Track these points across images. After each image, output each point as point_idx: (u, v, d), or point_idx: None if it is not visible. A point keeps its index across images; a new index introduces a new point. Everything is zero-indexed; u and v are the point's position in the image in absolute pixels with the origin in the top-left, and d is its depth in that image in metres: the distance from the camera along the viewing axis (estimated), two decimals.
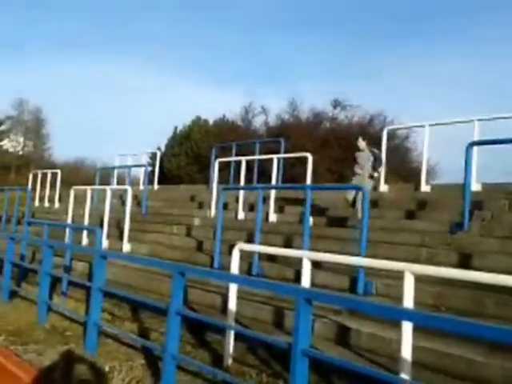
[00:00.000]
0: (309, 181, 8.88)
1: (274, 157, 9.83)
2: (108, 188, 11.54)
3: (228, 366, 4.65)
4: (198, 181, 19.32)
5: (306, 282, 4.35)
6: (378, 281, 5.94)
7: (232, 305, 4.71)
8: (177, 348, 4.21)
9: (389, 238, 7.27)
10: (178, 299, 4.21)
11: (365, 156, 8.80)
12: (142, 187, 13.80)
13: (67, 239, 9.65)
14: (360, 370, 3.53)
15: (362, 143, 8.94)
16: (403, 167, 20.58)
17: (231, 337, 4.70)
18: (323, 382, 4.26)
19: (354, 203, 8.38)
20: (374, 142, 9.80)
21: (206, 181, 14.26)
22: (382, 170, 9.25)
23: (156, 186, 15.51)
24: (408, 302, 3.59)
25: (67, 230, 10.04)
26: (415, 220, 7.83)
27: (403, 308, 3.50)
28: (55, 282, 7.37)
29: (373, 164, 8.71)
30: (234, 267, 4.82)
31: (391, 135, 10.89)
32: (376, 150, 8.98)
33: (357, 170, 8.83)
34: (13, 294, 7.54)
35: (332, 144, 18.67)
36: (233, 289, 4.72)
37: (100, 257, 5.20)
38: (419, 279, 3.68)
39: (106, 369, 4.60)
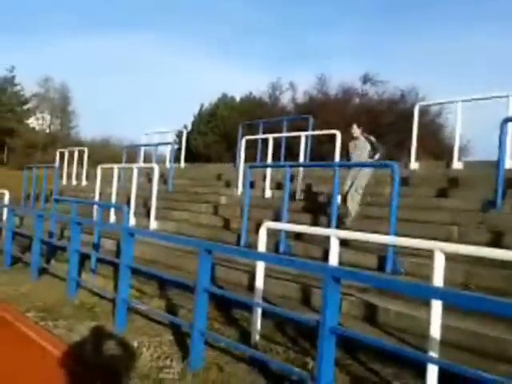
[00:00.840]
0: (337, 158, 8.73)
1: (302, 134, 9.70)
2: (135, 166, 11.60)
3: (255, 342, 4.65)
4: (225, 159, 19.28)
5: (333, 260, 4.28)
6: (407, 259, 5.84)
7: (259, 282, 4.68)
8: (205, 324, 4.21)
9: (419, 216, 7.13)
10: (205, 276, 4.20)
11: (360, 144, 8.02)
12: (168, 165, 13.86)
13: (95, 217, 9.77)
14: (388, 347, 3.50)
15: (356, 130, 8.06)
16: (435, 144, 20.12)
17: (258, 314, 4.69)
18: (350, 360, 4.23)
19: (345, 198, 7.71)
20: (373, 130, 9.25)
21: (234, 159, 14.21)
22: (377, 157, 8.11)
23: (183, 165, 15.52)
24: (438, 280, 3.51)
25: (95, 208, 10.16)
26: (446, 198, 7.66)
27: (433, 286, 3.42)
28: (84, 259, 7.48)
29: (370, 153, 7.94)
30: (262, 245, 4.77)
31: (423, 111, 10.56)
32: (372, 138, 8.15)
33: (353, 160, 8.04)
34: (42, 271, 7.66)
35: (362, 121, 18.31)
36: (260, 266, 4.69)
37: (128, 234, 5.22)
38: (449, 257, 3.58)
39: (135, 344, 4.64)
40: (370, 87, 21.02)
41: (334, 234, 4.30)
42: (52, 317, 5.50)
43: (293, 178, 10.48)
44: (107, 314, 5.65)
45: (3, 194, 11.39)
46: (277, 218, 8.49)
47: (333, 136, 9.29)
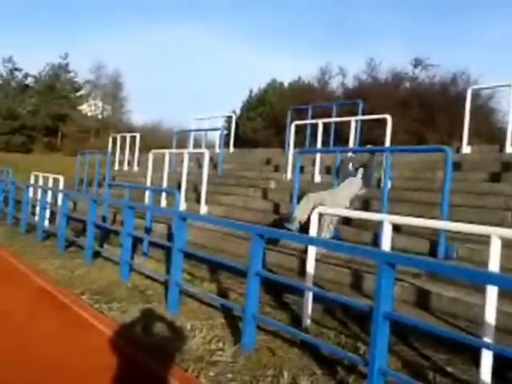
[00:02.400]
0: (388, 143, 8.56)
1: (352, 119, 9.56)
2: (185, 151, 11.76)
3: (306, 326, 4.67)
4: (273, 144, 19.24)
5: (386, 245, 4.22)
6: (460, 245, 5.70)
7: (310, 267, 4.68)
8: (257, 308, 4.26)
9: (471, 201, 6.93)
10: (257, 261, 4.23)
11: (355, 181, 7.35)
12: (217, 150, 13.97)
13: (147, 201, 9.99)
14: (442, 333, 3.45)
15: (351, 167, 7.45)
16: (487, 128, 19.38)
17: (309, 298, 4.69)
18: (402, 345, 4.19)
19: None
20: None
21: (283, 144, 14.17)
22: (362, 191, 7.41)
23: (232, 150, 15.60)
24: (494, 266, 3.43)
25: (147, 193, 10.38)
26: (499, 183, 7.41)
27: (490, 272, 3.34)
28: (136, 242, 7.70)
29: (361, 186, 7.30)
30: (313, 230, 4.76)
31: (475, 95, 10.17)
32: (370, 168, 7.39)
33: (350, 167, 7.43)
34: (95, 255, 7.90)
35: (412, 105, 17.82)
36: (311, 251, 4.68)
37: (180, 218, 5.31)
38: (503, 244, 3.50)
39: (188, 327, 4.74)
40: (421, 71, 20.45)
41: (387, 220, 4.23)
42: (106, 299, 5.66)
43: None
44: (160, 297, 5.79)
45: (58, 179, 11.79)
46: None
47: (382, 121, 9.10)
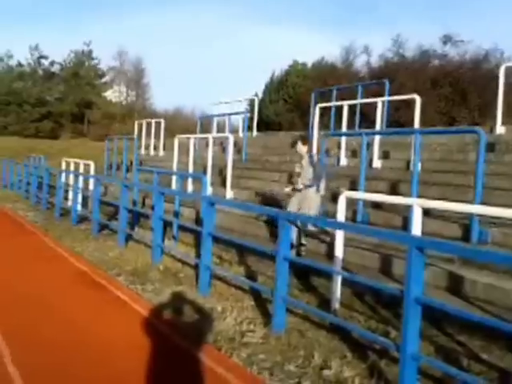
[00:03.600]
0: (417, 124, 8.43)
1: (379, 100, 9.43)
2: (210, 136, 11.81)
3: (335, 310, 4.68)
4: (297, 127, 19.09)
5: (417, 230, 4.19)
6: (494, 229, 5.61)
7: (339, 251, 4.68)
8: (286, 291, 4.29)
9: (506, 184, 6.78)
10: (285, 245, 4.25)
11: (306, 164, 6.73)
12: (241, 134, 13.96)
13: (174, 186, 10.09)
14: (476, 319, 3.42)
15: (302, 148, 6.71)
16: None
17: (338, 282, 4.70)
18: (435, 331, 4.18)
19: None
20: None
21: (306, 127, 14.07)
22: (322, 185, 6.68)
23: (255, 133, 15.57)
24: None
25: (173, 177, 10.48)
26: None
27: None
28: (165, 226, 7.81)
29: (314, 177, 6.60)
30: (341, 214, 4.75)
31: (509, 72, 9.85)
32: (315, 157, 6.82)
33: (299, 182, 6.69)
34: (127, 238, 8.05)
35: (442, 84, 17.36)
36: (339, 235, 4.68)
37: (208, 203, 5.36)
38: None
39: (219, 309, 4.81)
40: (451, 48, 19.87)
41: (418, 203, 4.19)
42: (140, 281, 5.81)
43: (369, 146, 10.32)
44: (191, 280, 5.88)
45: (89, 164, 11.98)
46: (353, 186, 8.40)
47: (410, 100, 8.95)
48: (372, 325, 4.38)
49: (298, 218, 4.93)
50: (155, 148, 16.94)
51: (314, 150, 6.51)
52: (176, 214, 8.06)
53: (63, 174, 11.80)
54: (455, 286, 4.78)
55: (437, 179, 7.61)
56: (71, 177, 11.90)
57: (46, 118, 41.57)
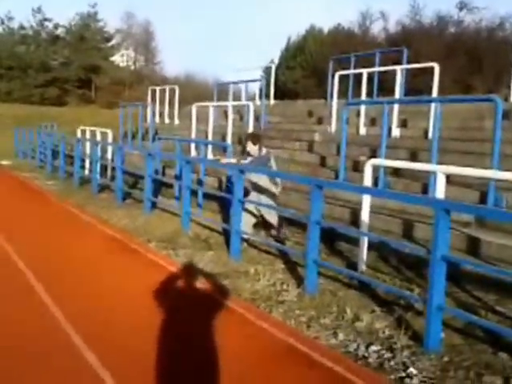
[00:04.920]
0: (435, 93, 8.56)
1: (398, 68, 9.51)
2: (229, 104, 11.96)
3: (362, 271, 4.99)
4: (314, 95, 19.10)
5: (440, 194, 4.43)
6: (509, 194, 5.85)
7: (365, 216, 4.94)
8: (317, 254, 4.58)
9: None
10: (316, 211, 4.52)
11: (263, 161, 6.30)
12: (258, 102, 14.06)
13: (192, 154, 10.32)
14: (494, 272, 3.70)
15: (252, 147, 6.29)
16: None
17: (365, 244, 4.98)
18: (455, 288, 4.47)
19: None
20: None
21: (324, 95, 14.12)
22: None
23: (272, 101, 15.63)
24: None
25: (192, 146, 10.70)
26: None
27: None
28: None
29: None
30: (367, 180, 4.99)
31: None
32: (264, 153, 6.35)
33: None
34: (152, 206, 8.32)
35: (458, 52, 17.30)
36: (366, 200, 4.93)
37: (239, 171, 5.64)
38: None
39: (252, 271, 5.13)
40: (467, 14, 19.67)
41: (440, 170, 4.42)
42: (172, 246, 6.13)
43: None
44: (220, 245, 6.20)
45: (106, 133, 12.14)
46: (373, 154, 8.60)
47: (427, 68, 9.03)
48: (397, 284, 4.69)
49: (328, 185, 5.12)
50: (169, 116, 16.98)
51: (264, 150, 6.30)
52: (200, 182, 8.34)
53: (81, 143, 11.97)
54: (472, 247, 5.09)
55: (455, 147, 7.78)
56: (87, 145, 12.06)
57: (52, 84, 40.73)
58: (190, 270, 5.17)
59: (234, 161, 6.70)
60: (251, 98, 16.04)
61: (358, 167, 8.45)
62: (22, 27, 43.66)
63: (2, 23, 43.32)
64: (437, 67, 8.56)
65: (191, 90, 36.90)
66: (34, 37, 43.54)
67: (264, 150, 6.34)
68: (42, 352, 3.25)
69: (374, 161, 5.20)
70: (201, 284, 4.80)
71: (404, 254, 5.10)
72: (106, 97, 41.48)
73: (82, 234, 6.95)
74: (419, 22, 20.03)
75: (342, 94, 12.95)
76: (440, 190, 4.47)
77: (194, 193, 8.18)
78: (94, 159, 10.79)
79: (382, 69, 11.01)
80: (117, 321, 3.83)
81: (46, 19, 44.00)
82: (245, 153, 6.50)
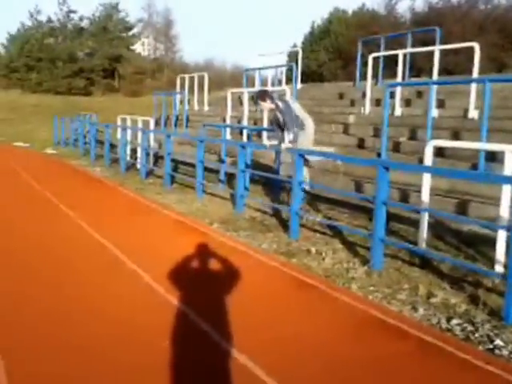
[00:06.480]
0: (475, 73, 8.62)
1: (436, 48, 9.55)
2: (267, 89, 12.07)
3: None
4: (340, 77, 19.14)
5: (509, 172, 4.50)
6: None
7: (425, 195, 5.09)
8: (383, 233, 4.78)
9: None
10: (383, 191, 4.71)
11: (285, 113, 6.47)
12: (284, 87, 14.15)
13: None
14: None
15: (265, 104, 6.51)
16: None
17: (425, 223, 5.14)
18: None
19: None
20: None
21: (350, 77, 14.19)
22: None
23: (299, 85, 15.72)
24: None
25: (228, 131, 10.88)
26: None
27: None
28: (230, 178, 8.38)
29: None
30: (428, 160, 5.12)
31: None
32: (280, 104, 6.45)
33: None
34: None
35: (489, 30, 17.15)
36: (426, 181, 5.08)
37: (299, 155, 5.83)
38: None
39: (313, 250, 5.35)
40: None
41: (509, 149, 4.50)
42: (233, 228, 6.36)
43: (421, 95, 10.51)
44: (276, 227, 6.42)
45: (148, 121, 12.43)
46: (412, 135, 8.73)
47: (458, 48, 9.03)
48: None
49: (395, 166, 5.21)
50: (199, 103, 17.21)
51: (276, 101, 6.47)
52: (248, 166, 8.54)
53: (128, 131, 12.24)
54: None
55: (497, 126, 7.84)
56: (128, 133, 12.34)
57: (78, 75, 41.76)
58: (258, 251, 5.41)
59: (276, 142, 6.92)
60: (277, 83, 16.11)
61: (398, 148, 8.59)
62: (49, 20, 44.67)
63: (31, 17, 44.26)
64: (477, 47, 8.60)
65: (211, 76, 36.93)
66: (61, 29, 44.62)
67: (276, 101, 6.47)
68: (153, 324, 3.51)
69: (435, 142, 5.34)
70: (275, 262, 5.03)
71: (462, 233, 5.29)
72: (128, 86, 42.15)
73: (151, 218, 7.18)
74: (448, 1, 19.82)
75: (372, 75, 13.00)
76: (508, 168, 4.54)
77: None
78: (143, 146, 11.04)
79: (420, 50, 11.06)
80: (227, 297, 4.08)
81: (71, 11, 45.06)
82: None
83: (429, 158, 5.13)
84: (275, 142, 6.96)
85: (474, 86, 8.43)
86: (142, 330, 3.41)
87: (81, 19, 45.38)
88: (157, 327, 3.44)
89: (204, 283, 4.40)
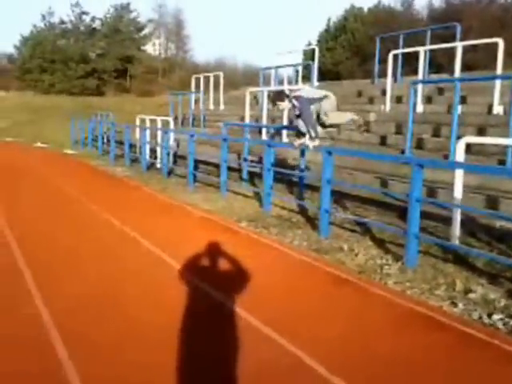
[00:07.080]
0: (499, 69, 8.59)
1: (459, 44, 9.50)
2: (285, 88, 12.09)
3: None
4: (357, 75, 19.07)
5: None
6: None
7: (458, 192, 5.11)
8: (418, 229, 4.79)
9: None
10: (417, 188, 4.72)
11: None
12: (301, 85, 14.14)
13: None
14: None
15: (283, 104, 6.51)
16: None
17: (458, 220, 5.15)
18: None
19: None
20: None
21: (367, 75, 14.15)
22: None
23: (316, 83, 15.71)
24: None
25: (246, 130, 10.91)
26: None
27: None
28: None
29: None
30: (460, 156, 5.14)
31: None
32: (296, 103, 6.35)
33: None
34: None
35: (510, 24, 17.01)
36: (459, 177, 5.09)
37: (327, 153, 5.86)
38: None
39: (345, 247, 5.38)
40: None
41: None
42: (262, 225, 6.40)
43: (442, 92, 10.48)
44: (304, 224, 6.46)
45: (167, 120, 12.52)
46: (435, 132, 8.71)
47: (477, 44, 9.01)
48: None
49: (429, 164, 5.27)
50: (214, 102, 17.23)
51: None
52: (273, 165, 8.58)
53: (147, 131, 12.32)
54: None
55: None
56: (147, 133, 12.41)
57: (91, 75, 42.13)
58: (291, 247, 5.46)
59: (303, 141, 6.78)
60: (291, 82, 16.15)
61: (421, 145, 8.57)
62: (62, 22, 45.16)
63: (44, 19, 44.71)
64: (501, 42, 8.56)
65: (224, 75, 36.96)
66: (73, 30, 45.03)
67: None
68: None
69: (467, 139, 5.34)
70: (308, 258, 5.07)
71: (494, 229, 5.28)
72: (140, 86, 42.47)
73: (184, 217, 7.20)
74: None
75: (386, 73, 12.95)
76: None
77: (258, 175, 8.42)
78: (165, 146, 11.10)
79: (442, 46, 10.98)
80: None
81: (83, 13, 45.43)
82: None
83: (461, 155, 5.15)
84: (303, 141, 6.97)
85: (498, 82, 8.40)
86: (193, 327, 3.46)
87: (93, 20, 45.79)
88: (207, 324, 3.48)
89: (245, 279, 4.39)
